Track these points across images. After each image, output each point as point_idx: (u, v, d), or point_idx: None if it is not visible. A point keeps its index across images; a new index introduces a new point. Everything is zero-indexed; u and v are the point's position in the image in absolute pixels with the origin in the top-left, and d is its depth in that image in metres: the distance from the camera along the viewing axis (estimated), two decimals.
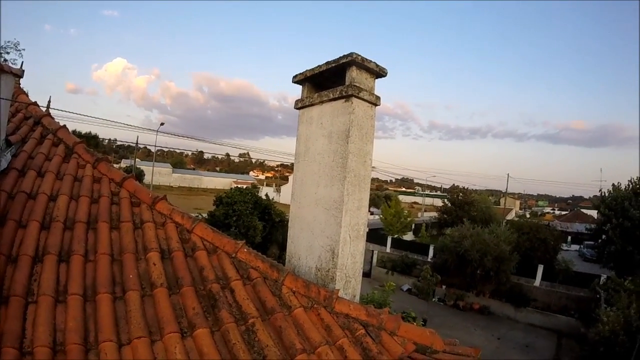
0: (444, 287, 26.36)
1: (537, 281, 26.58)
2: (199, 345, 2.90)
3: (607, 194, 26.86)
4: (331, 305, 3.79)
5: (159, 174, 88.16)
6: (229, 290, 3.61)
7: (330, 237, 4.37)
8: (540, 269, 26.58)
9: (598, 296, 20.89)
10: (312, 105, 4.84)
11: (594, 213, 33.73)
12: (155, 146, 46.58)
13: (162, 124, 44.83)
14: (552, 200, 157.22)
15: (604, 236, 25.46)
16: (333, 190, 4.38)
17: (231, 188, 24.21)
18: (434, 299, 25.45)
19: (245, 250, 4.07)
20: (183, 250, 3.92)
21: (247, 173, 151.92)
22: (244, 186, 26.20)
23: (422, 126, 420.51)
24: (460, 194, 47.08)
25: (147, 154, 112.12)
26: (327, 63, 4.56)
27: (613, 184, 27.15)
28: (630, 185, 25.72)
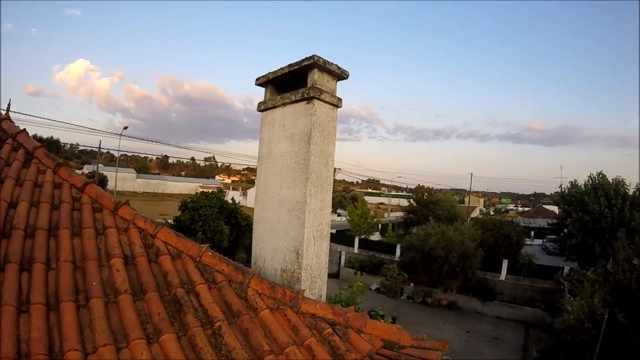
0: (412, 284, 26.79)
1: (503, 275, 27.22)
2: (166, 350, 2.87)
3: (566, 191, 27.76)
4: (297, 306, 3.80)
5: (122, 180, 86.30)
6: (194, 295, 3.58)
7: (294, 238, 4.39)
8: (505, 264, 27.26)
9: (562, 287, 21.72)
10: (274, 107, 4.85)
11: (555, 209, 34.80)
12: (118, 150, 45.53)
13: (125, 127, 44.09)
14: (515, 198, 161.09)
15: (565, 230, 26.39)
16: (296, 191, 4.41)
17: (197, 193, 24.00)
18: (402, 297, 25.83)
19: (210, 253, 4.05)
20: (147, 256, 3.87)
21: (213, 177, 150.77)
22: (210, 190, 26.01)
23: (387, 128, 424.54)
24: (425, 194, 47.88)
25: (110, 159, 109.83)
26: (290, 65, 4.59)
27: (571, 181, 28.34)
28: (590, 182, 26.58)
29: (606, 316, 10.49)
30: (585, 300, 13.94)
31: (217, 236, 20.56)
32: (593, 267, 20.74)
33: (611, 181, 26.17)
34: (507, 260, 27.43)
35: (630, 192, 25.91)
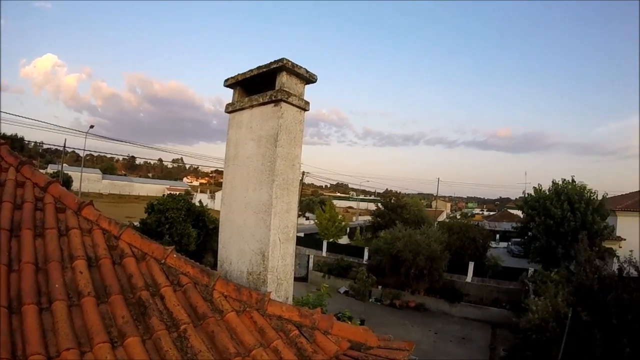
0: (380, 287, 26.99)
1: (469, 277, 27.92)
2: (131, 354, 2.84)
3: (529, 196, 28.70)
4: (263, 308, 3.79)
5: (87, 181, 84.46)
6: (159, 297, 3.54)
7: (260, 241, 4.39)
8: (471, 266, 27.98)
9: (527, 288, 22.28)
10: (242, 109, 4.85)
11: (519, 213, 35.67)
12: (84, 150, 44.42)
13: (91, 126, 43.04)
14: (481, 202, 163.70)
15: (529, 233, 27.07)
16: (262, 193, 4.41)
17: (164, 195, 23.68)
18: (371, 300, 26.03)
19: (175, 255, 4.01)
20: (111, 258, 3.81)
21: (181, 179, 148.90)
22: (177, 193, 25.71)
23: (357, 133, 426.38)
24: (393, 198, 48.17)
25: (75, 159, 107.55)
26: (259, 68, 4.62)
27: (534, 187, 29.17)
28: (553, 187, 27.37)
29: (570, 315, 10.80)
30: (550, 300, 14.30)
31: (184, 239, 20.34)
32: (556, 268, 21.39)
33: (579, 187, 26.96)
34: (473, 263, 28.20)
35: (598, 197, 26.75)
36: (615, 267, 12.45)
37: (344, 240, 44.48)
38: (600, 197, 26.81)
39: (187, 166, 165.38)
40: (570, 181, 27.26)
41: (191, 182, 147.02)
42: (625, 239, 24.46)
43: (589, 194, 26.60)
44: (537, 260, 26.67)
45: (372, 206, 62.47)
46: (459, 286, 26.83)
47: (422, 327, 22.20)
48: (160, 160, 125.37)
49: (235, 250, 4.72)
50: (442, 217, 66.55)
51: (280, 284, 4.54)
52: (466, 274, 28.05)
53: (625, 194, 37.81)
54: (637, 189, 36.67)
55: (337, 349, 3.72)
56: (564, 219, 24.82)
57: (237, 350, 3.19)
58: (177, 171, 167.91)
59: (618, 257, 13.67)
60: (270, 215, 4.30)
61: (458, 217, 43.39)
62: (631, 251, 12.68)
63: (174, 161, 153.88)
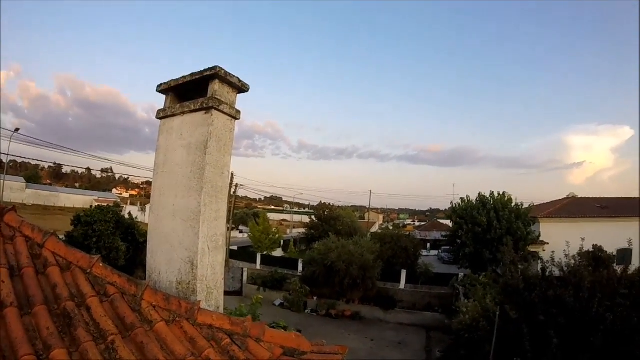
0: (315, 298, 27.20)
1: (402, 284, 28.81)
2: None
3: (457, 206, 30.21)
4: (194, 317, 3.76)
5: (10, 190, 79.31)
6: (85, 308, 3.43)
7: (189, 249, 4.35)
8: (403, 274, 28.94)
9: (457, 292, 23.34)
10: (173, 115, 4.82)
11: (449, 222, 37.19)
12: (7, 155, 41.64)
13: (17, 129, 39.98)
14: (412, 213, 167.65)
15: (458, 241, 28.20)
16: (190, 201, 4.38)
17: (91, 206, 22.80)
18: (306, 311, 26.22)
19: (101, 265, 3.91)
20: (34, 267, 3.66)
21: (110, 190, 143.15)
22: (106, 204, 24.79)
23: (291, 146, 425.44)
24: (327, 210, 48.56)
25: None
26: (192, 74, 4.62)
27: (461, 198, 30.56)
28: (479, 198, 28.92)
29: (498, 313, 11.32)
30: (479, 301, 14.96)
31: (113, 254, 19.61)
32: (484, 272, 22.30)
33: (504, 197, 28.55)
34: (405, 270, 29.24)
35: (524, 206, 28.42)
36: (539, 268, 13.20)
37: (278, 252, 44.50)
38: (525, 206, 28.47)
39: (117, 176, 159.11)
40: (496, 193, 28.77)
41: (121, 194, 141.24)
42: (548, 243, 25.92)
43: (513, 203, 28.19)
44: (466, 266, 27.77)
45: (306, 219, 62.66)
46: (392, 293, 27.62)
47: (359, 335, 22.46)
48: (88, 169, 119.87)
49: (164, 259, 4.62)
50: (375, 228, 67.96)
51: (211, 292, 4.50)
52: (399, 282, 28.95)
53: (548, 202, 40.91)
54: (559, 198, 40.49)
55: (270, 356, 3.73)
56: (490, 227, 26.07)
57: None
58: (106, 182, 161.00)
59: (542, 258, 14.46)
60: (199, 223, 4.27)
61: (390, 228, 44.29)
62: (553, 252, 13.46)
63: (103, 171, 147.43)
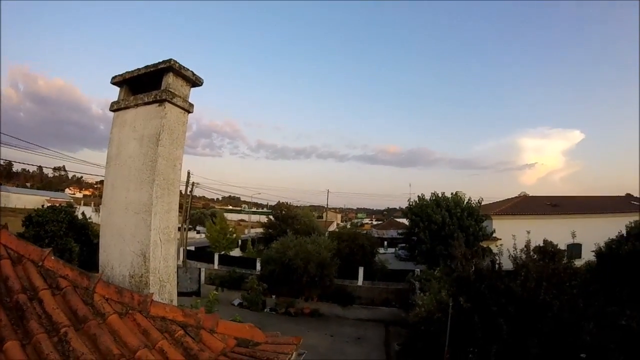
0: (273, 296, 27.19)
1: (360, 281, 29.19)
2: (10, 358, 2.72)
3: (413, 204, 31.23)
4: (147, 310, 3.75)
5: None
6: (37, 301, 3.38)
7: (141, 242, 4.32)
8: (361, 270, 29.31)
9: (413, 287, 23.74)
10: (127, 107, 4.78)
11: (405, 221, 37.99)
12: None
13: None
14: (370, 213, 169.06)
15: (414, 238, 28.97)
16: (142, 193, 4.35)
17: (43, 206, 22.12)
18: (266, 310, 26.19)
19: (53, 258, 3.84)
20: None
21: (63, 190, 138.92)
22: (59, 205, 24.08)
23: (250, 145, 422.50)
24: (284, 209, 48.55)
25: None
26: (146, 67, 4.60)
27: (418, 196, 31.58)
28: (434, 197, 30.15)
29: (451, 304, 11.65)
30: (434, 294, 15.45)
31: (66, 255, 19.05)
32: (438, 267, 22.91)
33: (457, 196, 30.02)
34: (362, 267, 29.62)
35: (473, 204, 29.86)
36: (489, 261, 13.71)
37: (236, 252, 44.10)
38: (477, 206, 29.95)
39: (70, 175, 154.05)
40: (449, 194, 30.16)
41: (74, 194, 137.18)
42: (501, 239, 26.69)
43: (465, 202, 29.63)
44: (422, 262, 28.57)
45: (264, 218, 62.45)
46: (350, 290, 27.92)
47: (318, 331, 22.54)
48: (40, 168, 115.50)
49: (116, 253, 4.57)
50: (333, 227, 68.41)
51: (164, 285, 4.48)
52: (357, 279, 29.34)
53: (501, 200, 43.07)
54: (510, 197, 42.68)
55: (224, 347, 3.77)
56: (444, 224, 27.18)
57: (121, 352, 3.15)
58: (59, 181, 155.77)
59: (494, 253, 14.97)
60: (150, 215, 4.25)
61: (348, 226, 44.66)
62: (501, 244, 14.00)
63: (55, 169, 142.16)
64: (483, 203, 30.89)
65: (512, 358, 10.18)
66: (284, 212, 47.09)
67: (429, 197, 30.66)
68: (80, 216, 23.66)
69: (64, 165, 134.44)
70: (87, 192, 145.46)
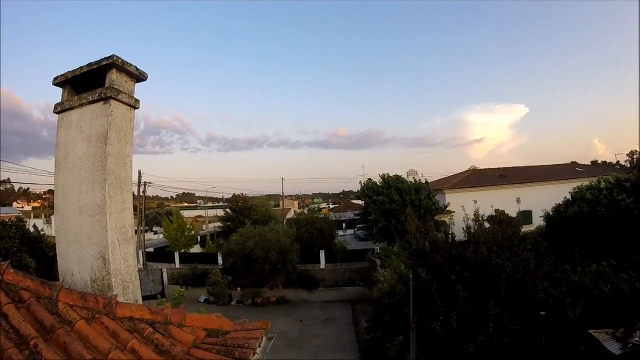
0: (239, 289, 27.23)
1: (322, 264, 30.02)
2: None
3: (365, 185, 32.48)
4: (113, 312, 3.71)
5: None
6: (2, 316, 3.28)
7: (99, 244, 4.24)
8: (322, 254, 30.14)
9: (374, 264, 24.57)
10: (72, 108, 4.64)
11: (361, 202, 38.84)
12: None
13: None
14: (327, 197, 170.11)
15: (370, 218, 29.73)
16: (95, 194, 4.27)
17: None
18: (233, 303, 26.29)
19: (12, 271, 3.72)
20: None
21: (10, 205, 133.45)
22: (8, 220, 23.19)
23: (200, 139, 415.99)
24: (241, 201, 48.36)
25: None
26: (89, 65, 4.50)
27: (369, 179, 33.01)
28: (386, 177, 31.24)
29: (411, 277, 11.99)
30: (394, 269, 16.15)
31: (23, 271, 18.49)
32: (396, 243, 23.53)
33: (400, 177, 31.50)
34: (324, 251, 30.44)
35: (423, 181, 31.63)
36: (443, 233, 14.22)
37: (196, 249, 43.75)
38: (421, 181, 31.75)
39: (17, 188, 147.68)
40: (403, 174, 32.21)
41: (22, 207, 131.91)
42: (454, 212, 27.47)
43: (410, 180, 31.66)
44: (381, 240, 29.51)
45: (221, 212, 61.98)
46: (314, 274, 28.33)
47: (288, 318, 22.88)
48: None
49: (75, 259, 4.45)
50: (291, 215, 68.57)
51: (127, 286, 4.43)
52: (319, 262, 30.08)
53: (453, 175, 44.53)
54: (461, 171, 44.27)
55: (195, 339, 3.79)
56: (393, 202, 28.47)
57: (93, 356, 3.13)
58: (4, 195, 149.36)
59: (448, 225, 15.43)
60: (106, 216, 4.18)
61: (306, 212, 44.97)
62: (452, 216, 14.48)
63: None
64: (437, 179, 32.34)
65: (472, 320, 10.59)
66: (240, 204, 46.91)
67: (380, 180, 31.71)
68: (32, 229, 22.87)
69: (8, 178, 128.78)
70: (36, 204, 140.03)
